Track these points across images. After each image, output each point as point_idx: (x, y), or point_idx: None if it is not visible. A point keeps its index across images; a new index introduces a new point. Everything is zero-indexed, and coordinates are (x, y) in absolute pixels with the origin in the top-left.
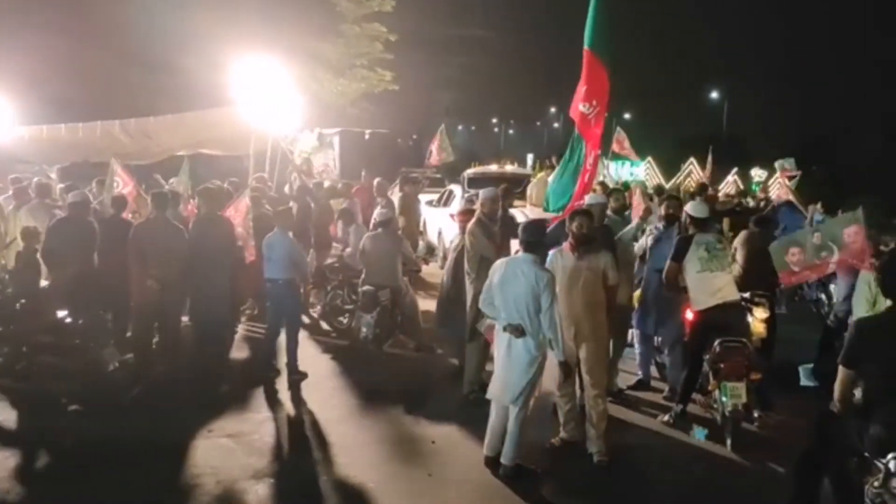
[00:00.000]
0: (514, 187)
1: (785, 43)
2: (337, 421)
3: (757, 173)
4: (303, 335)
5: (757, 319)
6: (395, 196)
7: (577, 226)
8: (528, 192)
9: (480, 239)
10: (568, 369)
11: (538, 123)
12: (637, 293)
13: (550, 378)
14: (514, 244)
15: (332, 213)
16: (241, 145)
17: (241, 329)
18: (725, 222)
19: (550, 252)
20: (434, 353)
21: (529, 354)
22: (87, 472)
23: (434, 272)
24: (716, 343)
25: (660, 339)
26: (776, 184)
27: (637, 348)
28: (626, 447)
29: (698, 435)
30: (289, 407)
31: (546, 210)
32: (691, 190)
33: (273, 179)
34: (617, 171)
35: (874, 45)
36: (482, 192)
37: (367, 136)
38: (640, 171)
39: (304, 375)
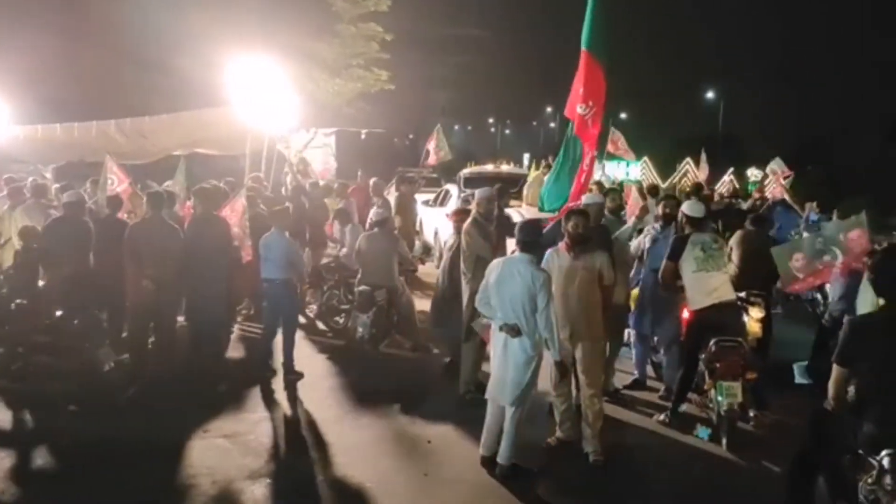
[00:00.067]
0: (510, 187)
1: (782, 43)
2: (333, 421)
3: (753, 173)
4: (299, 335)
5: (753, 319)
6: (392, 196)
7: (573, 225)
8: (525, 191)
9: (476, 239)
10: (564, 369)
11: (534, 123)
12: (634, 292)
13: (546, 378)
14: (511, 244)
15: (328, 212)
16: (237, 145)
17: (237, 329)
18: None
19: (547, 252)
20: (430, 352)
21: (526, 354)
22: (83, 472)
23: (430, 272)
24: (712, 343)
25: (656, 338)
26: (771, 184)
27: (633, 348)
28: (621, 446)
29: (701, 434)
30: (285, 407)
31: (541, 210)
32: (687, 190)
33: (269, 179)
34: (613, 171)
35: (872, 46)
36: (478, 192)
37: (363, 136)
38: (636, 171)
39: (300, 375)
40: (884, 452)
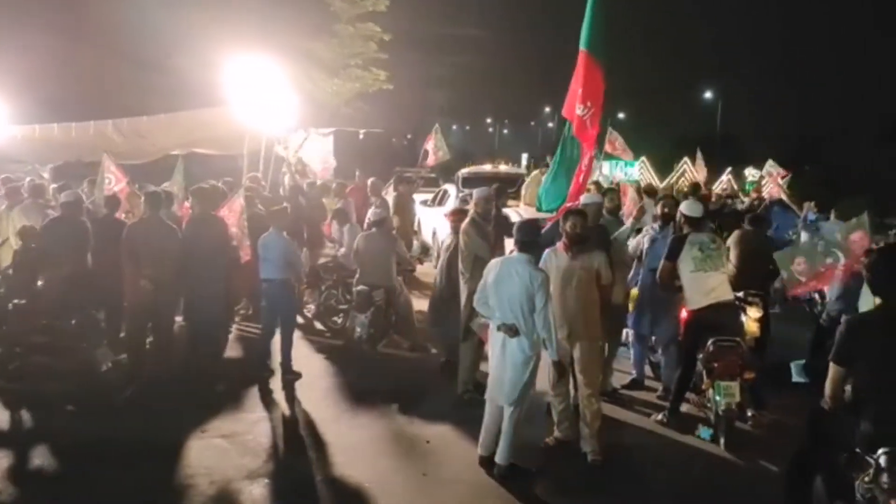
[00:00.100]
0: (508, 187)
1: (781, 42)
2: (331, 421)
3: (751, 173)
4: (297, 335)
5: (750, 319)
6: (390, 196)
7: (571, 225)
8: (523, 191)
9: (474, 238)
10: (562, 369)
11: (532, 123)
12: (634, 292)
13: (545, 377)
14: (509, 244)
15: (325, 211)
16: (235, 145)
17: (235, 329)
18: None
19: (545, 252)
20: (429, 352)
21: (524, 354)
22: (81, 472)
23: (428, 272)
24: (709, 342)
25: (654, 338)
26: (769, 184)
27: (631, 348)
28: (619, 446)
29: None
30: (283, 407)
31: (539, 210)
32: (685, 190)
33: (267, 179)
34: (611, 171)
35: (872, 46)
36: (476, 192)
37: (361, 136)
38: (633, 171)
39: (298, 375)
40: (880, 451)
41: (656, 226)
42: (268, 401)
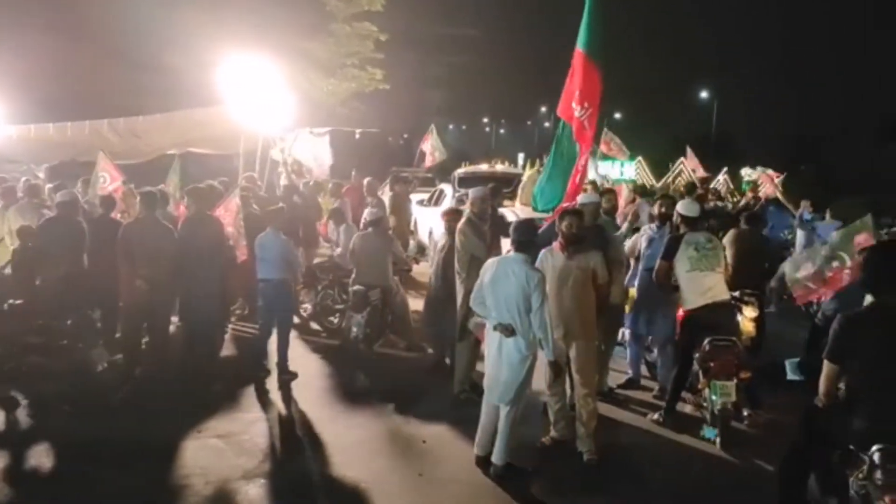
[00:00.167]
0: (505, 187)
1: (779, 41)
2: (327, 420)
3: (747, 172)
4: (293, 335)
5: (746, 318)
6: (386, 195)
7: (567, 225)
8: (519, 191)
9: (471, 238)
10: (558, 368)
11: (529, 123)
12: (632, 292)
13: (541, 377)
14: (506, 243)
15: (321, 211)
16: (230, 144)
17: (231, 329)
18: None
19: (541, 251)
20: (425, 352)
21: (520, 354)
22: (77, 472)
23: (425, 272)
24: (706, 342)
25: (651, 338)
26: (764, 184)
27: (628, 347)
28: (616, 446)
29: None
30: (279, 407)
31: (534, 210)
32: (681, 189)
33: (263, 179)
34: (608, 171)
35: (872, 46)
36: (472, 192)
37: (357, 136)
38: (630, 171)
39: (294, 375)
40: (874, 448)
41: (654, 226)
42: (264, 401)
